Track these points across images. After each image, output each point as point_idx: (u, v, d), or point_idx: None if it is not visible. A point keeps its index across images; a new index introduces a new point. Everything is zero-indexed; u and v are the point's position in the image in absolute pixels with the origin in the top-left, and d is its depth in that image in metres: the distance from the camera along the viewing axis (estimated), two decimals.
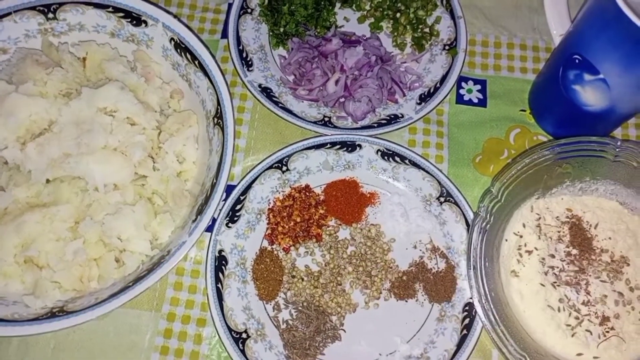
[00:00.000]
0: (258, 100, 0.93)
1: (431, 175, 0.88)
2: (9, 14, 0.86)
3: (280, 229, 0.86)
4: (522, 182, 0.79)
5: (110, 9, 0.86)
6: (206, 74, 0.82)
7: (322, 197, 0.89)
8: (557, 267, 0.81)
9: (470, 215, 0.85)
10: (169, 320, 0.83)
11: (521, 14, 1.06)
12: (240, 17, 1.00)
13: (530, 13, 1.06)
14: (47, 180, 0.78)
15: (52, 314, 0.70)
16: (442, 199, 0.87)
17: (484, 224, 0.77)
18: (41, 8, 0.86)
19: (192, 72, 0.85)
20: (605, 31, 0.72)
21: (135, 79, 0.83)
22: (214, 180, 0.76)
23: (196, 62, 0.84)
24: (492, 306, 0.74)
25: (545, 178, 0.81)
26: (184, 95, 0.89)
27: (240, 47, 0.97)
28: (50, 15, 0.87)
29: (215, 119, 0.81)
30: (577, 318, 0.78)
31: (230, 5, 1.03)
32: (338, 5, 1.04)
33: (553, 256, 0.81)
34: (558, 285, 0.79)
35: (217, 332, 0.79)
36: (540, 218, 0.83)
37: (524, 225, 0.82)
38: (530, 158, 0.79)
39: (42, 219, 0.75)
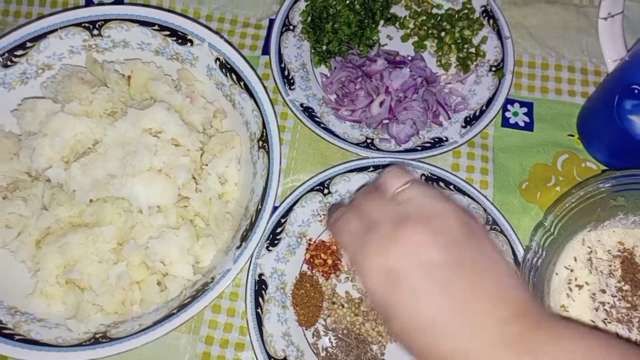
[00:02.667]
0: (299, 119, 0.91)
1: (476, 201, 0.86)
2: (55, 30, 0.85)
3: (317, 261, 0.84)
4: (575, 214, 0.76)
5: (156, 27, 0.86)
6: (252, 95, 0.81)
7: None
8: (608, 303, 0.78)
9: (517, 245, 0.83)
10: (207, 343, 0.82)
11: (569, 35, 1.03)
12: (282, 34, 0.99)
13: (578, 34, 1.03)
14: (91, 201, 0.78)
15: (96, 340, 0.69)
16: (487, 227, 0.85)
17: (536, 258, 0.75)
18: (87, 25, 0.86)
19: (236, 92, 0.84)
20: None
21: (180, 99, 0.82)
22: (259, 206, 0.75)
23: (242, 83, 0.82)
24: None
25: (598, 211, 0.78)
26: (227, 116, 0.88)
27: (282, 65, 0.96)
28: (95, 31, 0.87)
29: (260, 142, 0.79)
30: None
31: (271, 21, 1.02)
32: (381, 23, 1.02)
33: (604, 291, 0.78)
34: (609, 322, 0.77)
35: (257, 358, 0.78)
36: (591, 251, 0.80)
37: (575, 259, 0.79)
38: (584, 190, 0.76)
39: (85, 240, 0.75)
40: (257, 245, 0.73)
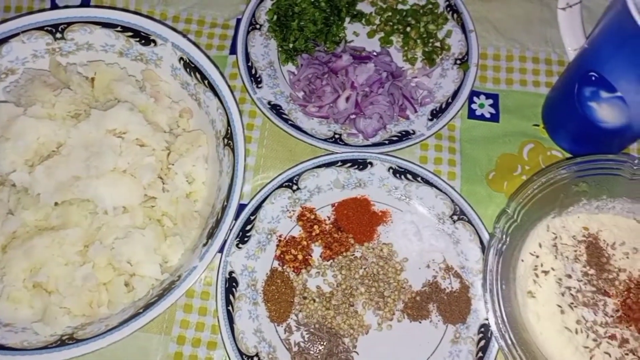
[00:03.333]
0: (267, 117, 0.92)
1: (444, 193, 0.87)
2: (17, 34, 0.85)
3: (288, 257, 0.84)
4: (538, 201, 0.77)
5: (119, 29, 0.86)
6: (216, 94, 0.82)
7: (332, 217, 0.88)
8: (574, 288, 0.79)
9: (485, 234, 0.84)
10: (179, 343, 0.82)
11: (533, 27, 1.05)
12: (249, 33, 0.99)
13: (542, 26, 1.04)
14: (56, 204, 0.77)
15: (62, 342, 0.69)
16: (455, 217, 0.86)
17: (500, 245, 0.76)
18: (49, 28, 0.86)
19: (201, 91, 0.84)
20: (623, 49, 0.70)
21: (144, 99, 0.82)
22: (225, 203, 0.75)
23: (206, 82, 0.83)
24: (509, 329, 0.73)
25: (561, 197, 0.79)
26: (193, 115, 0.88)
27: (249, 64, 0.96)
28: (59, 35, 0.87)
29: (226, 140, 0.80)
30: (595, 340, 0.76)
31: (238, 21, 1.03)
32: (347, 20, 1.03)
33: (570, 276, 0.79)
34: (575, 307, 0.78)
35: (228, 356, 0.78)
36: (556, 237, 0.81)
37: (540, 245, 0.80)
38: (546, 177, 0.77)
39: (51, 243, 0.74)
40: (223, 241, 0.73)
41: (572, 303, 0.78)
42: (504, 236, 0.76)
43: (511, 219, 0.77)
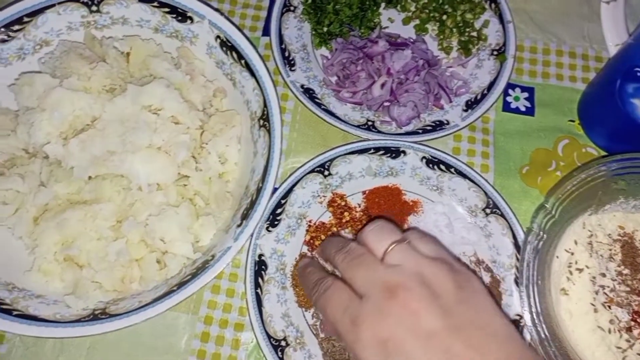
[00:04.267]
0: (300, 101, 0.91)
1: (477, 185, 0.86)
2: (53, 5, 0.84)
3: (317, 242, 0.84)
4: (576, 197, 0.76)
5: (156, 4, 0.84)
6: (253, 74, 0.80)
7: (363, 204, 0.87)
8: (608, 287, 0.78)
9: (518, 229, 0.83)
10: (207, 323, 0.81)
11: (570, 21, 1.03)
12: (283, 15, 0.98)
13: (580, 20, 1.03)
14: (89, 178, 0.77)
15: (95, 316, 0.68)
16: (488, 211, 0.85)
17: (537, 240, 0.75)
18: (86, 0, 0.85)
19: (237, 71, 0.83)
20: None
21: (180, 76, 0.81)
22: (260, 185, 0.74)
23: (242, 62, 0.81)
24: (543, 324, 0.72)
25: (599, 194, 0.78)
26: (227, 94, 0.87)
27: (283, 46, 0.95)
28: (94, 7, 0.85)
29: (261, 121, 0.79)
30: (628, 341, 0.75)
31: (272, 2, 1.01)
32: (383, 5, 1.01)
33: (604, 275, 0.78)
34: (609, 306, 0.77)
35: (257, 338, 0.77)
36: (592, 235, 0.80)
37: (575, 242, 0.79)
38: (586, 173, 0.76)
39: (84, 217, 0.74)
40: (257, 223, 0.72)
41: (605, 302, 0.77)
42: (541, 231, 0.75)
43: (549, 215, 0.75)
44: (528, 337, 0.76)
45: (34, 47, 0.85)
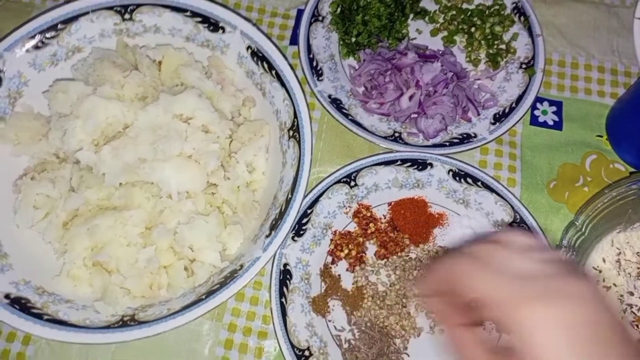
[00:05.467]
0: (327, 111, 0.91)
1: (504, 199, 0.85)
2: (86, 12, 0.85)
3: (341, 254, 0.84)
4: (606, 215, 0.76)
5: (188, 13, 0.85)
6: (283, 84, 0.81)
7: (388, 216, 0.87)
8: (636, 306, 0.77)
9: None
10: (230, 330, 0.82)
11: (600, 35, 1.02)
12: (311, 25, 0.98)
13: (609, 34, 1.02)
14: (120, 184, 0.78)
15: (124, 323, 0.69)
16: (514, 225, 0.84)
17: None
18: (119, 8, 0.86)
19: (267, 81, 0.83)
20: None
21: (211, 86, 0.82)
22: (289, 196, 0.74)
23: (273, 72, 0.82)
24: None
25: (629, 212, 0.78)
26: (256, 104, 0.88)
27: (311, 56, 0.96)
28: (127, 16, 0.87)
29: (291, 132, 0.79)
30: None
31: (300, 12, 1.02)
32: (411, 17, 1.01)
33: (632, 294, 0.78)
34: (637, 325, 0.76)
35: (280, 348, 0.78)
36: (620, 253, 0.80)
37: (603, 260, 0.79)
38: (617, 191, 0.76)
39: (114, 223, 0.75)
40: (286, 234, 0.73)
41: (634, 321, 0.76)
42: (571, 249, 0.74)
43: (579, 232, 0.75)
44: None
45: (66, 54, 0.86)
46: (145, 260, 0.73)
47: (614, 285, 0.78)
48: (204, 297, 0.70)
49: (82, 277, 0.75)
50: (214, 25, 0.85)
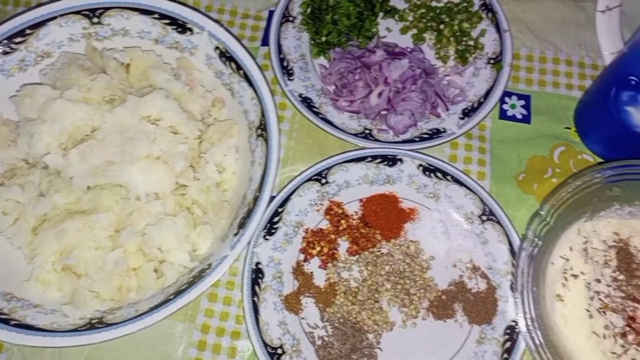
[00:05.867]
0: (298, 110, 0.92)
1: (473, 192, 0.86)
2: (54, 17, 0.85)
3: (313, 251, 0.85)
4: (571, 204, 0.77)
5: (156, 16, 0.86)
6: (251, 84, 0.82)
7: (360, 212, 0.88)
8: (603, 293, 0.78)
9: (514, 236, 0.83)
10: (203, 332, 0.82)
11: (567, 30, 1.03)
12: (281, 25, 0.99)
13: (576, 29, 1.03)
14: (88, 188, 0.78)
15: (92, 326, 0.69)
16: (484, 218, 0.85)
17: (532, 247, 0.75)
18: (86, 12, 0.86)
19: (235, 81, 0.84)
20: None
21: (179, 87, 0.82)
22: (257, 194, 0.75)
23: (241, 72, 0.83)
24: (537, 330, 0.72)
25: (594, 201, 0.79)
26: (225, 104, 0.88)
27: (281, 56, 0.96)
28: (95, 19, 0.87)
29: (259, 131, 0.80)
30: (623, 346, 0.75)
31: (271, 13, 1.02)
32: (380, 15, 1.02)
33: (599, 281, 0.79)
34: (604, 312, 0.77)
35: (253, 346, 0.78)
36: (587, 241, 0.81)
37: (570, 249, 0.80)
38: (581, 180, 0.77)
39: (82, 227, 0.75)
40: (254, 232, 0.73)
41: (601, 308, 0.77)
42: (537, 239, 0.75)
43: (544, 222, 0.76)
44: (523, 344, 0.77)
45: (35, 59, 0.86)
46: (113, 263, 0.73)
47: (582, 273, 0.79)
48: (172, 297, 0.70)
49: (51, 282, 0.75)
50: (181, 26, 0.86)
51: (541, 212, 0.76)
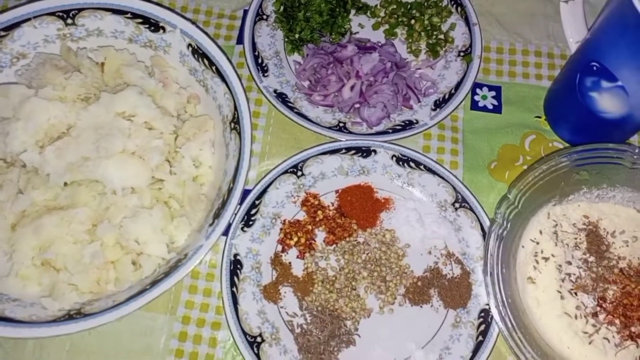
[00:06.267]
0: (273, 105, 0.93)
1: (446, 181, 0.88)
2: (28, 19, 0.87)
3: (290, 242, 0.86)
4: (539, 188, 0.79)
5: (129, 15, 0.87)
6: (223, 79, 0.83)
7: (336, 203, 0.89)
8: (574, 274, 0.80)
9: (486, 221, 0.85)
10: (184, 323, 0.83)
11: (536, 22, 1.06)
12: (255, 24, 1.01)
13: (545, 20, 1.06)
14: (65, 184, 0.79)
15: (70, 316, 0.70)
16: (457, 205, 0.87)
17: (501, 230, 0.77)
18: (60, 14, 0.88)
19: (209, 77, 0.85)
20: (624, 37, 0.72)
21: (153, 84, 0.84)
22: (231, 185, 0.76)
23: (213, 68, 0.84)
24: (509, 312, 0.74)
25: (562, 185, 0.81)
26: (201, 101, 0.89)
27: (256, 53, 0.98)
28: (69, 20, 0.88)
29: (232, 124, 0.81)
30: (594, 325, 0.77)
31: (245, 12, 1.04)
32: (353, 12, 1.05)
33: (570, 263, 0.81)
34: (575, 293, 0.79)
35: (232, 335, 0.79)
36: (557, 225, 0.83)
37: (540, 232, 0.82)
38: (547, 164, 0.79)
39: (60, 222, 0.76)
40: (229, 221, 0.74)
41: (572, 289, 0.79)
42: (505, 221, 0.77)
43: (512, 205, 0.78)
44: (496, 328, 0.78)
45: (11, 60, 0.87)
46: (90, 256, 0.74)
47: (552, 255, 0.81)
48: (148, 287, 0.71)
49: (31, 277, 0.76)
50: (154, 25, 0.87)
51: (509, 196, 0.78)
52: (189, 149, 0.83)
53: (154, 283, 0.71)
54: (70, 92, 0.81)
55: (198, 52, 0.86)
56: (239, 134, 0.79)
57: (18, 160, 0.81)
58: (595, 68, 0.79)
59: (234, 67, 0.84)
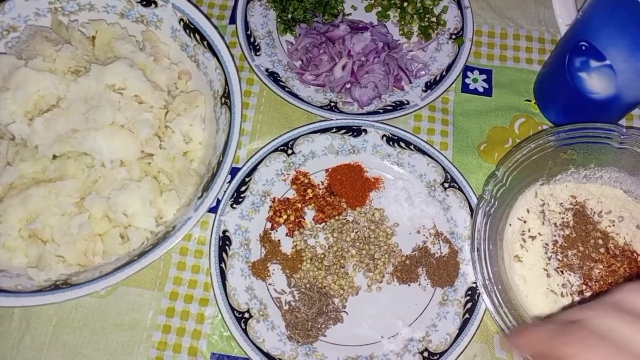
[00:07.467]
0: (265, 84, 0.93)
1: (436, 161, 0.89)
2: None
3: (279, 219, 0.86)
4: (526, 167, 0.79)
5: None
6: (214, 54, 0.83)
7: (326, 182, 0.90)
8: (561, 253, 0.81)
9: (474, 201, 0.85)
10: (172, 299, 0.83)
11: (527, 6, 1.07)
12: (248, 3, 1.01)
13: (536, 5, 1.07)
14: (54, 156, 0.79)
15: (56, 287, 0.70)
16: (446, 185, 0.88)
17: (488, 207, 0.77)
18: None
19: (200, 52, 0.85)
20: (613, 16, 0.72)
21: (144, 58, 0.84)
22: (221, 158, 0.76)
23: (205, 43, 0.84)
24: (495, 289, 0.74)
25: (549, 164, 0.81)
26: (192, 77, 0.89)
27: (248, 32, 0.98)
28: None
29: (223, 99, 0.81)
30: (580, 303, 0.78)
31: None
32: None
33: (556, 242, 0.81)
34: (561, 271, 0.79)
35: (220, 311, 0.79)
36: (544, 204, 0.83)
37: (527, 211, 0.82)
38: (535, 143, 0.79)
39: (47, 194, 0.75)
40: (217, 194, 0.74)
41: (558, 267, 0.80)
42: (492, 199, 0.78)
43: (500, 183, 0.78)
44: (484, 304, 0.79)
45: (1, 33, 0.87)
46: (78, 227, 0.74)
47: (539, 234, 0.81)
48: (135, 258, 0.71)
49: (17, 248, 0.76)
50: (146, 0, 0.87)
51: (496, 173, 0.79)
52: (179, 124, 0.83)
53: (141, 254, 0.71)
54: (61, 64, 0.81)
55: (190, 27, 0.86)
56: (230, 107, 0.79)
57: (7, 133, 0.81)
58: (584, 47, 0.79)
59: (225, 42, 0.84)
